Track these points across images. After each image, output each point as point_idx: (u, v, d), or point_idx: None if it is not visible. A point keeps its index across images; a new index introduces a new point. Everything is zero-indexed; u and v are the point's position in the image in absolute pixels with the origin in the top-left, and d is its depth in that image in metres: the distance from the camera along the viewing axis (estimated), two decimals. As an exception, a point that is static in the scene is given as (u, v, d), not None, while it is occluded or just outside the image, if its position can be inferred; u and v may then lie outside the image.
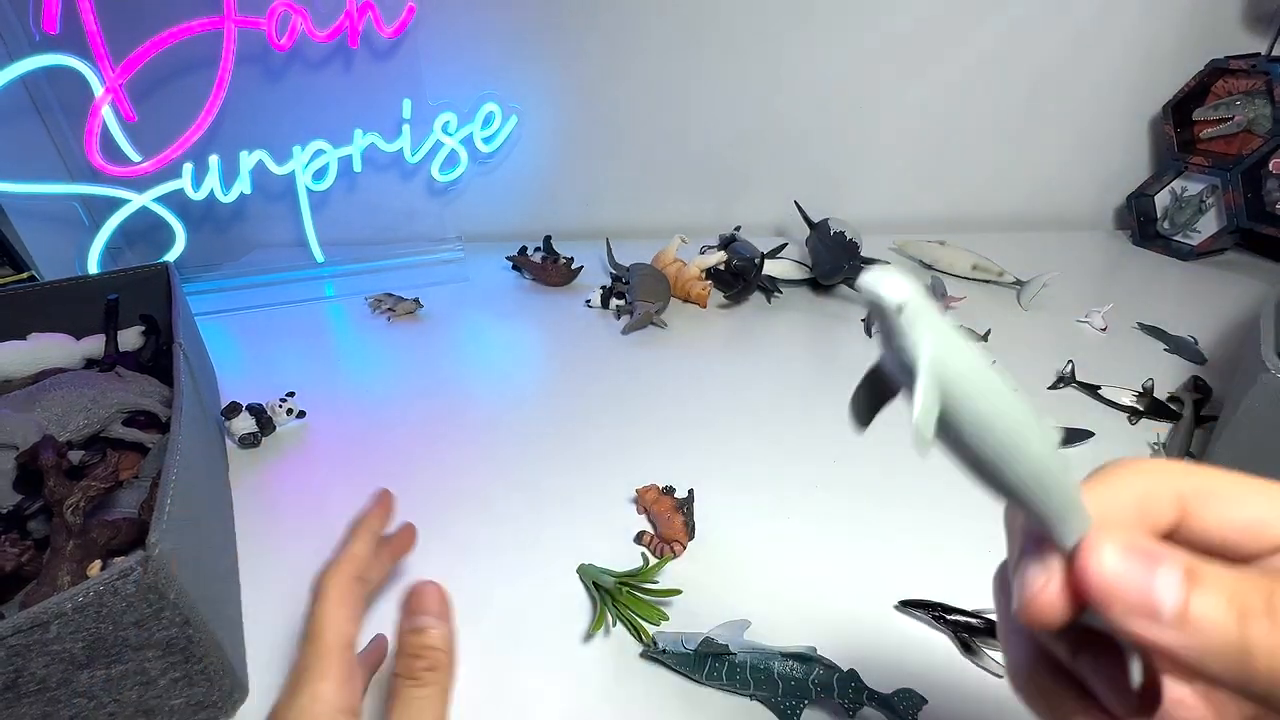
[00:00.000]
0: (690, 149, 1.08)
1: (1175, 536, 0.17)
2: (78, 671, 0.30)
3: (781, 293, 0.87)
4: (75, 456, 0.45)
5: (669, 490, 0.50)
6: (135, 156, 0.84)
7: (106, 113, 0.81)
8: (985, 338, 0.74)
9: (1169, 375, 0.67)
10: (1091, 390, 0.63)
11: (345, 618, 0.28)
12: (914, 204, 1.12)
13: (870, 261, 0.85)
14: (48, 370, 0.57)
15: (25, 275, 0.80)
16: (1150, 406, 0.60)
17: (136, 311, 0.64)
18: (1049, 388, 0.65)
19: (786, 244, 0.95)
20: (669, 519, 0.48)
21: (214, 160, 0.89)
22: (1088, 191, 1.11)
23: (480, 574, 0.46)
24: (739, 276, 0.85)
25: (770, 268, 0.88)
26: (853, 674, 0.36)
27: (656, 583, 0.43)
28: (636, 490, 0.51)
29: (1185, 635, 0.13)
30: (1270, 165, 0.86)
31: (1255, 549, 0.16)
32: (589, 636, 0.41)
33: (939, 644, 0.40)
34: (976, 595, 0.43)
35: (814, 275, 0.87)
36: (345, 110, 0.97)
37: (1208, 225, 0.95)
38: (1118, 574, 0.14)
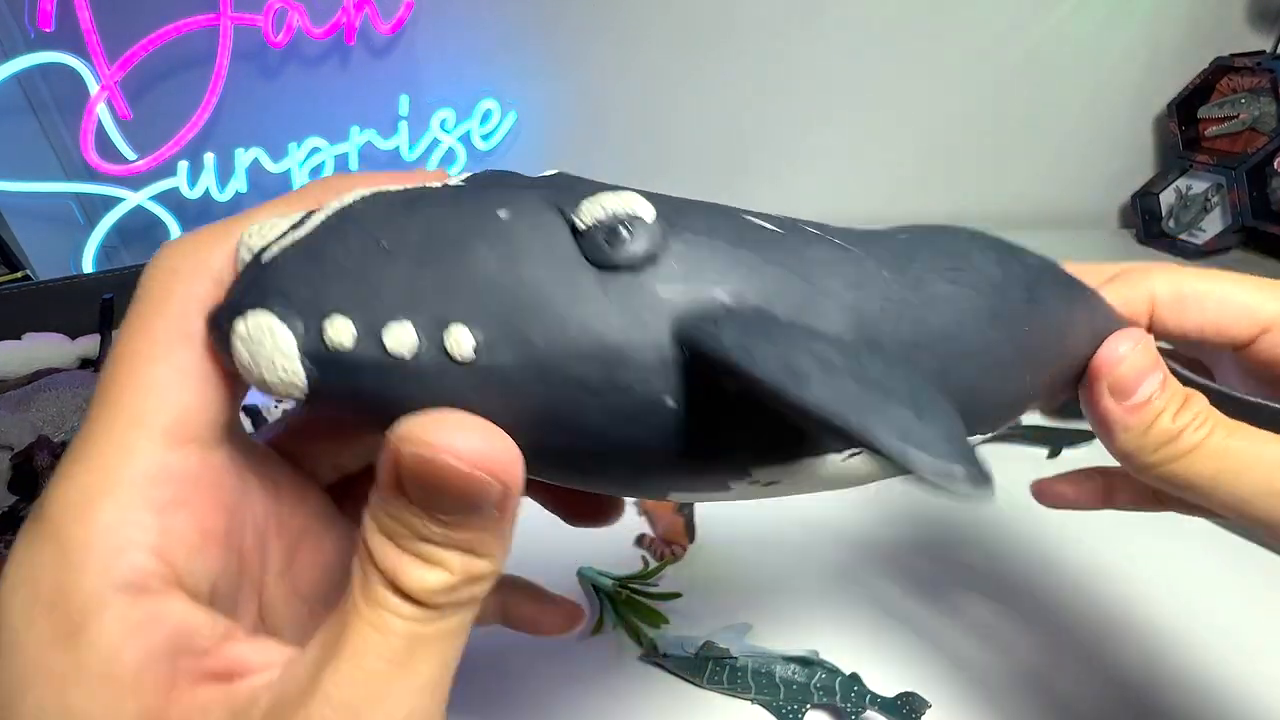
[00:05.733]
0: (691, 147, 1.07)
1: (1155, 329, 0.21)
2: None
3: None
4: (68, 458, 0.45)
5: (669, 491, 0.49)
6: (131, 154, 0.84)
7: (102, 110, 0.81)
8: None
9: (1173, 375, 0.66)
10: (1095, 390, 0.63)
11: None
12: (914, 203, 1.11)
13: None
14: (42, 370, 0.57)
15: (20, 274, 0.79)
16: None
17: (132, 311, 0.64)
18: (1052, 387, 0.65)
19: None
20: (670, 521, 0.47)
21: (209, 158, 0.89)
22: (1092, 190, 1.10)
23: (478, 576, 0.46)
24: None
25: None
26: (855, 678, 0.36)
27: (657, 586, 0.43)
28: (636, 491, 0.50)
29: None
30: (1275, 163, 0.86)
31: (1247, 333, 0.20)
32: (588, 639, 0.41)
33: (943, 647, 0.40)
34: (975, 594, 0.42)
35: None
36: (342, 107, 0.96)
37: (1213, 224, 0.95)
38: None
